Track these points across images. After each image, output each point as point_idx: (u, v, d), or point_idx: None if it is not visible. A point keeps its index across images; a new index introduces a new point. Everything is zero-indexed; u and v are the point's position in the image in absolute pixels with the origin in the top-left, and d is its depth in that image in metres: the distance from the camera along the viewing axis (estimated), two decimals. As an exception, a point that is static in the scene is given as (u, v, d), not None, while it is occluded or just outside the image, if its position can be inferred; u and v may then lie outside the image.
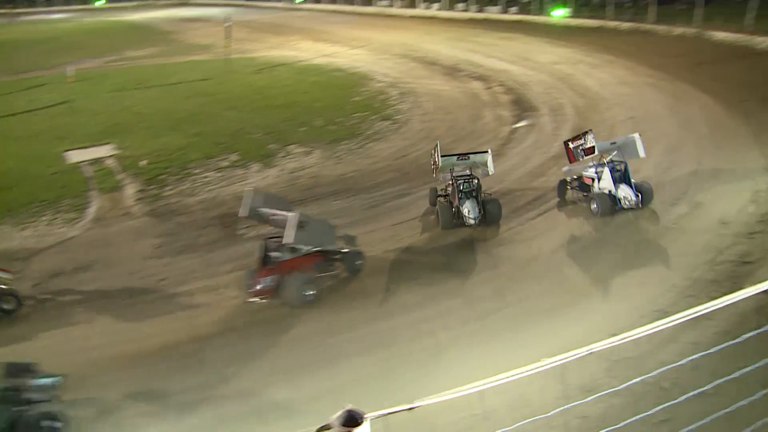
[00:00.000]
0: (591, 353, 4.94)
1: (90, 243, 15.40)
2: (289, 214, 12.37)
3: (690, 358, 7.08)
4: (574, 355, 4.93)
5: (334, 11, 73.71)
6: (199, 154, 21.23)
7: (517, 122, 24.28)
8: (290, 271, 12.37)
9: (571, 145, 16.11)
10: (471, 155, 15.90)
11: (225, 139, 22.85)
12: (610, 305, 11.22)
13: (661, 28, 41.24)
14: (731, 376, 6.33)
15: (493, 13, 56.74)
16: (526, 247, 14.28)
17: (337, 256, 13.28)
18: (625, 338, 4.97)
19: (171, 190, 18.65)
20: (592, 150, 15.32)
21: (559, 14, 50.41)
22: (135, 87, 33.35)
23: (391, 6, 69.09)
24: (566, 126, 23.12)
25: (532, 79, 31.04)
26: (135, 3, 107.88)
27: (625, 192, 15.17)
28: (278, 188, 18.62)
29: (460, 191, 15.28)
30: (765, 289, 5.68)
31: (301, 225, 12.08)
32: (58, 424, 8.40)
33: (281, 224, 12.53)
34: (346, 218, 16.27)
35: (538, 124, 23.70)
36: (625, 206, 15.14)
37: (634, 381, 6.62)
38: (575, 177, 16.58)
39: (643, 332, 5.13)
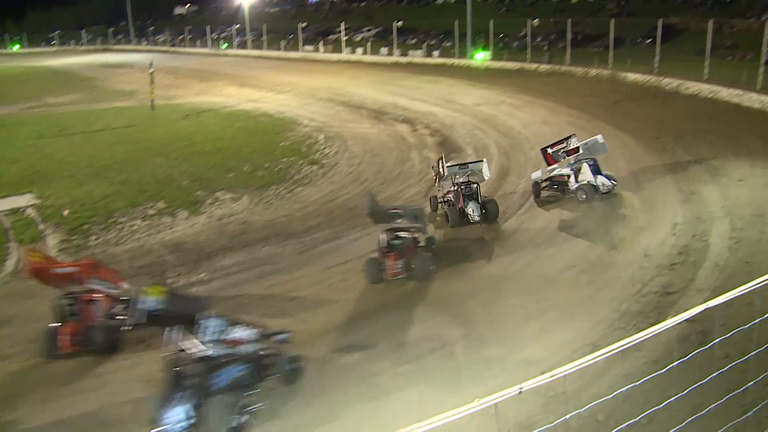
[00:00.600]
0: (522, 392, 5.02)
1: (9, 297, 14.70)
2: (415, 207, 15.85)
3: (622, 389, 7.29)
4: (506, 394, 5.00)
5: (259, 56, 74.02)
6: (124, 202, 20.73)
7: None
8: (411, 254, 14.60)
9: (550, 150, 19.74)
10: (470, 164, 18.95)
11: (151, 187, 22.42)
12: (544, 340, 11.35)
13: (578, 70, 43.06)
14: (661, 405, 6.54)
15: (416, 57, 58.11)
16: (467, 280, 14.48)
17: (421, 243, 15.67)
18: (555, 375, 5.07)
19: (96, 239, 18.05)
20: (576, 150, 19.05)
21: (481, 57, 51.99)
22: (56, 134, 32.54)
23: (316, 51, 69.99)
24: (492, 165, 23.55)
25: (457, 120, 31.77)
26: (54, 48, 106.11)
27: (602, 180, 18.74)
28: (207, 235, 18.31)
29: (464, 195, 17.89)
30: (687, 318, 5.92)
31: (422, 215, 15.17)
32: (301, 363, 10.53)
33: (399, 216, 15.00)
34: (277, 264, 16.12)
35: (464, 164, 24.06)
36: (603, 191, 18.71)
37: (569, 415, 6.78)
38: (545, 179, 19.79)
39: (574, 367, 5.25)
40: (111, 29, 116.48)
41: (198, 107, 39.54)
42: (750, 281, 5.87)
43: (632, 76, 38.42)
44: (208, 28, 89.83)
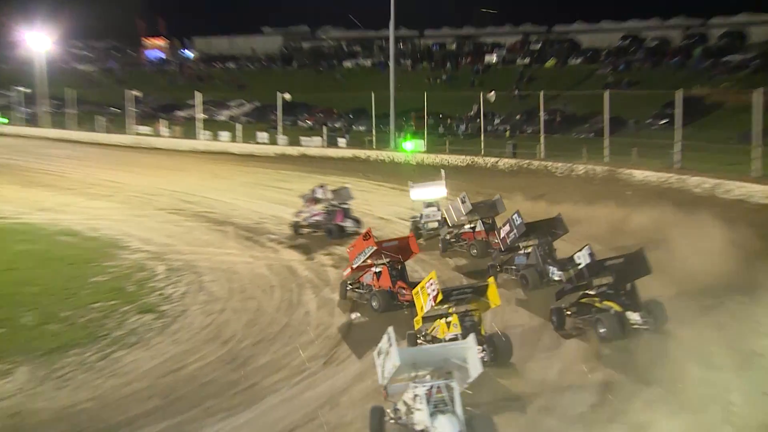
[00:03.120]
0: None
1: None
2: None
3: None
4: None
5: (60, 139, 73.89)
6: None
7: (355, 310, 24.09)
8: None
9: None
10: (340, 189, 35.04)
11: None
12: None
13: (558, 165, 45.77)
14: None
15: (313, 146, 60.09)
16: None
17: None
18: None
19: None
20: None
21: (411, 147, 54.64)
22: None
23: (156, 135, 69.63)
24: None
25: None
26: None
27: None
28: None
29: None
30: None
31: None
32: None
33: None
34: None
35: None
36: None
37: None
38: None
39: None
40: None
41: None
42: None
43: (640, 174, 39.30)
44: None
